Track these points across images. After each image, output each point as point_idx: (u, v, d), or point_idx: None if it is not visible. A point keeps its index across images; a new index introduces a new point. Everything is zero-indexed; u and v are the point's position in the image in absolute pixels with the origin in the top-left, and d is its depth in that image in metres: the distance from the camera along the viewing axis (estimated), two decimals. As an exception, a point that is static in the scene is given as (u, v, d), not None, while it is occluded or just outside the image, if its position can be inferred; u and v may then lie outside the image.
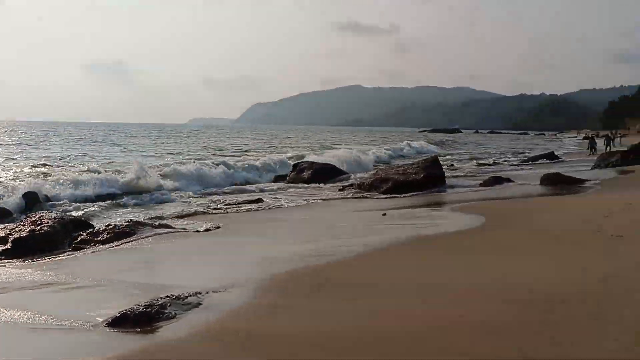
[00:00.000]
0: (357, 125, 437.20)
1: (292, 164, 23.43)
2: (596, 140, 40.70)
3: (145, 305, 4.99)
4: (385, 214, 11.54)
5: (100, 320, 4.84)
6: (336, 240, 8.77)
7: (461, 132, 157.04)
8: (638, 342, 3.76)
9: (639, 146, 23.27)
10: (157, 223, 10.49)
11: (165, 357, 4.05)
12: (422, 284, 5.77)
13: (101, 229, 9.44)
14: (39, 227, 8.89)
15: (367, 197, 16.05)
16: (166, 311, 4.94)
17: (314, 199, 15.46)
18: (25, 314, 5.10)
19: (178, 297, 5.30)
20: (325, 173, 20.97)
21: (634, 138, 51.63)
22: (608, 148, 34.92)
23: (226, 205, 14.03)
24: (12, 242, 8.45)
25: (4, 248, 8.34)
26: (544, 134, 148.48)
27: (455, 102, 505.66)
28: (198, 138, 69.49)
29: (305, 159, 25.47)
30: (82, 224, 10.15)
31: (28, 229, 8.81)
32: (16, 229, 8.94)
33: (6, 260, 7.87)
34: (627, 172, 18.47)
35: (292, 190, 18.02)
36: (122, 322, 4.76)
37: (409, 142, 50.41)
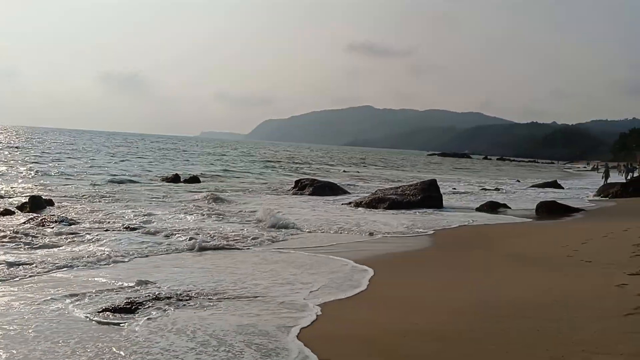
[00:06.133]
0: (366, 145, 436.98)
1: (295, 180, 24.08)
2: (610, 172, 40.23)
3: None
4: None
5: None
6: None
7: (471, 157, 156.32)
8: (570, 352, 4.13)
9: (639, 179, 23.56)
10: None
11: None
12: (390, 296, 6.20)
13: None
14: None
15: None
16: None
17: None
18: None
19: None
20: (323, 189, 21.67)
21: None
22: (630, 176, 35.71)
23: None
24: None
25: None
26: (554, 163, 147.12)
27: (465, 127, 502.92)
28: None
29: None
30: None
31: None
32: None
33: None
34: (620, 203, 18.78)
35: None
36: None
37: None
